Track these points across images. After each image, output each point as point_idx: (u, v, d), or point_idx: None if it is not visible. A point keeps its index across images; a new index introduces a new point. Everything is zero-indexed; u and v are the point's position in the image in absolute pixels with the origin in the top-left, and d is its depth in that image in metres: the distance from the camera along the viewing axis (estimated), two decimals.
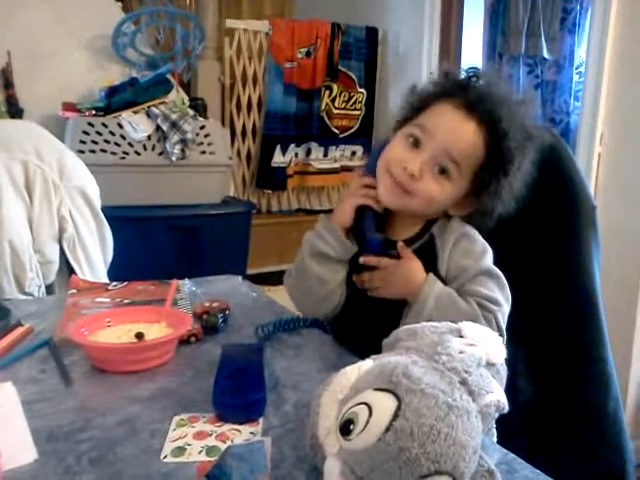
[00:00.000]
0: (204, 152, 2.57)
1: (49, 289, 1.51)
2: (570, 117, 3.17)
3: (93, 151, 2.35)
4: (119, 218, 1.73)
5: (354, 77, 3.22)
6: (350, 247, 0.88)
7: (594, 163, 2.20)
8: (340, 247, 0.88)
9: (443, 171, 0.83)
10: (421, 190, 0.83)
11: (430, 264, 0.85)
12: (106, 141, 2.37)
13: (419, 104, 0.87)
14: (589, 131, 2.21)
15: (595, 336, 1.00)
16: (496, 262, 0.85)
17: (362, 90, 3.25)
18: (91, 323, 0.90)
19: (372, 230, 0.88)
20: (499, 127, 0.81)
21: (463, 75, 0.86)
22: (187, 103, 2.62)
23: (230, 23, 2.97)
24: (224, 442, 0.64)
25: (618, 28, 2.13)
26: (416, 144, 0.84)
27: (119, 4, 2.86)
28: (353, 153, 3.31)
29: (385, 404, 0.50)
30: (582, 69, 2.88)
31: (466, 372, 0.53)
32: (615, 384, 1.00)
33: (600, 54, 2.16)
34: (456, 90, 0.84)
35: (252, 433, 0.66)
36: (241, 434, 0.66)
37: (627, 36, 2.11)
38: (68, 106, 2.50)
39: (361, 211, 0.90)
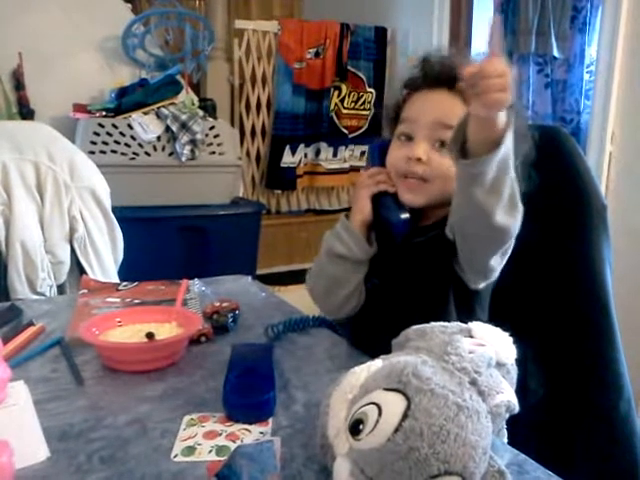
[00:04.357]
0: (213, 152, 2.57)
1: (60, 289, 1.52)
2: (581, 116, 3.15)
3: (103, 152, 2.36)
4: (129, 218, 1.74)
5: (363, 77, 3.22)
6: (368, 249, 0.87)
7: (605, 162, 2.19)
8: (358, 248, 0.87)
9: (444, 143, 0.83)
10: (434, 170, 0.83)
11: (453, 245, 0.84)
12: (116, 142, 2.38)
13: (398, 102, 0.92)
14: (600, 130, 2.20)
15: (607, 337, 0.99)
16: (507, 262, 0.85)
17: (371, 90, 3.24)
18: (102, 323, 0.90)
19: (395, 212, 0.87)
20: None
21: (418, 67, 0.91)
22: (197, 104, 2.63)
23: (239, 24, 2.98)
24: (234, 442, 0.64)
25: (629, 26, 2.11)
26: (409, 138, 0.87)
27: (128, 5, 2.87)
28: (362, 153, 3.31)
29: (394, 404, 0.50)
30: (593, 68, 2.86)
31: (476, 372, 0.53)
32: (627, 385, 1.00)
33: (611, 53, 2.15)
34: (419, 80, 0.90)
35: (262, 433, 0.66)
36: (251, 434, 0.66)
37: (638, 34, 2.09)
38: (78, 107, 2.52)
39: (377, 201, 0.88)
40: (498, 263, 0.82)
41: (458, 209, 0.79)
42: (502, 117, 0.69)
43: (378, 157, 0.91)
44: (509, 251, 0.81)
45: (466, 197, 0.74)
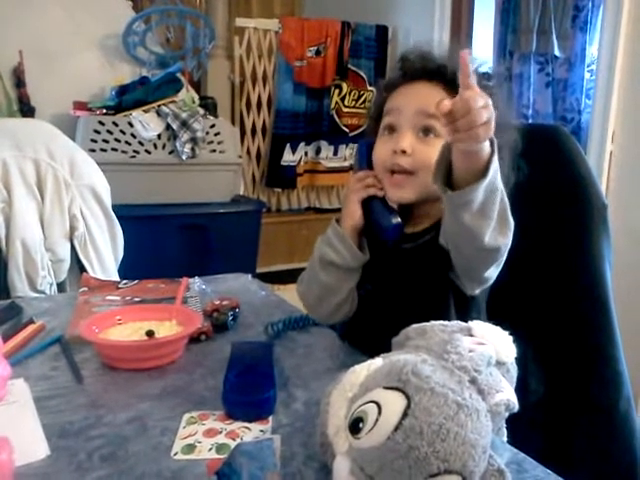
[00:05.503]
0: (214, 151, 2.57)
1: (60, 287, 1.52)
2: (581, 115, 3.15)
3: (104, 150, 2.36)
4: (129, 217, 1.74)
5: (364, 75, 3.22)
6: (360, 256, 0.87)
7: (606, 162, 2.19)
8: (350, 256, 0.86)
9: (428, 131, 0.83)
10: (419, 160, 0.83)
11: (445, 252, 0.84)
12: (117, 140, 2.38)
13: (381, 100, 0.92)
14: (601, 129, 2.20)
15: (607, 335, 0.99)
16: (506, 261, 0.85)
17: (372, 89, 3.24)
18: (102, 321, 0.90)
19: (386, 217, 0.86)
20: (451, 73, 0.83)
21: (397, 67, 0.91)
22: (197, 102, 2.62)
23: (240, 22, 2.98)
24: (234, 440, 0.64)
25: (630, 26, 2.11)
26: (392, 129, 0.86)
27: (129, 3, 2.87)
28: None
29: (394, 403, 0.50)
30: (594, 67, 2.86)
31: (476, 371, 0.53)
32: (627, 383, 1.00)
33: (612, 52, 2.15)
34: (398, 79, 0.90)
35: (262, 431, 0.66)
36: (251, 432, 0.66)
37: (639, 34, 2.09)
38: (79, 105, 2.52)
39: (367, 206, 0.88)
40: (493, 273, 0.82)
41: (448, 230, 0.79)
42: (486, 147, 0.68)
43: (365, 156, 0.91)
44: (503, 261, 0.81)
45: (455, 223, 0.74)
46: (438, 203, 0.86)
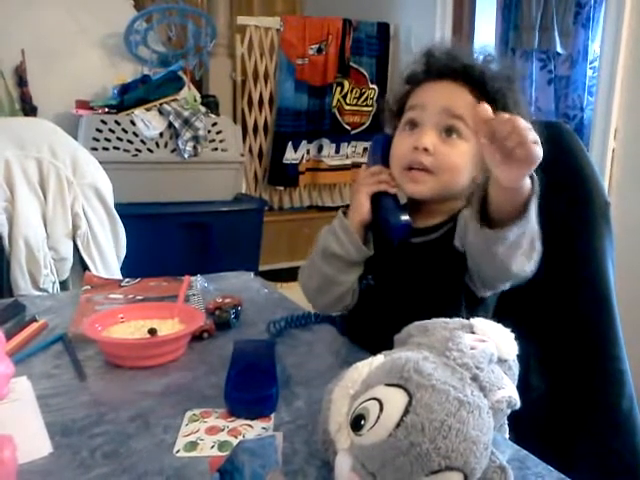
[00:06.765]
0: (216, 149, 2.58)
1: (63, 285, 1.52)
2: (584, 112, 3.14)
3: (106, 148, 2.36)
4: (132, 215, 1.74)
5: (365, 73, 3.22)
6: (365, 251, 0.86)
7: (608, 159, 2.18)
8: (354, 249, 0.85)
9: (450, 132, 0.82)
10: (441, 160, 0.82)
11: (455, 250, 0.83)
12: (119, 138, 2.39)
13: (404, 93, 0.90)
14: (603, 126, 2.20)
15: (609, 334, 0.99)
16: None
17: (373, 86, 3.24)
18: (104, 319, 0.90)
19: (395, 214, 0.84)
20: (477, 75, 0.84)
21: (420, 62, 0.90)
22: (199, 100, 2.63)
23: (241, 20, 2.98)
24: (236, 437, 0.64)
25: (633, 22, 2.10)
26: (415, 125, 0.85)
27: (131, 2, 2.87)
28: (365, 149, 3.30)
29: (396, 399, 0.50)
30: (596, 64, 2.85)
31: (477, 368, 0.53)
32: (629, 382, 0.99)
33: (614, 49, 2.14)
34: (422, 75, 0.88)
35: (264, 428, 0.66)
36: (253, 429, 0.66)
37: None
38: (81, 104, 2.53)
39: (377, 201, 0.86)
40: (507, 284, 0.82)
41: (476, 258, 0.78)
42: (527, 183, 0.69)
43: (381, 151, 0.89)
44: None
45: (486, 253, 0.74)
46: (452, 202, 0.86)
